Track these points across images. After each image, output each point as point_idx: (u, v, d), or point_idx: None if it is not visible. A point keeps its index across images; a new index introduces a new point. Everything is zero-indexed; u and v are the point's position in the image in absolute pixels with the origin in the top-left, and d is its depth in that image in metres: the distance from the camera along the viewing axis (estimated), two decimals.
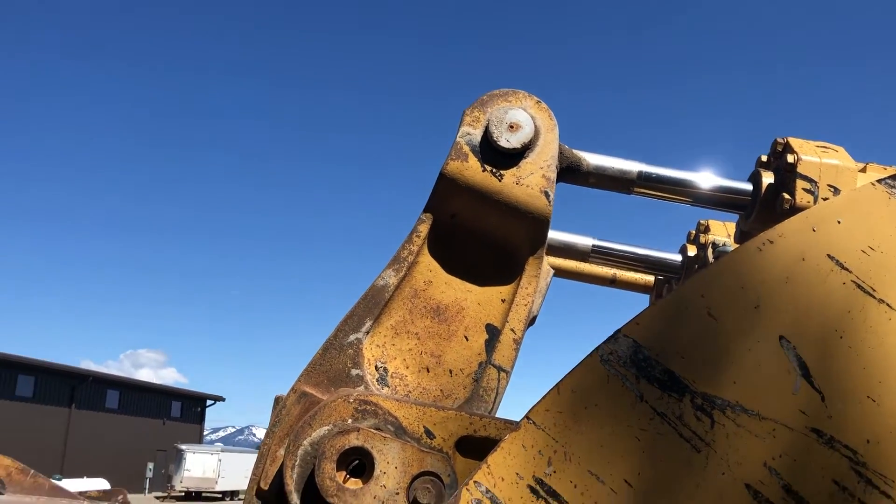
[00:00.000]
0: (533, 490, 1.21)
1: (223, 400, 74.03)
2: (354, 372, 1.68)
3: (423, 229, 1.82)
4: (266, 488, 1.54)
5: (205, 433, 76.73)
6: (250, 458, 60.24)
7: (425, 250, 1.83)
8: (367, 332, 1.72)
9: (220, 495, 56.36)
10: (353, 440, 1.43)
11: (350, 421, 1.49)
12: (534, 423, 1.24)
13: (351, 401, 1.52)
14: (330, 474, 1.41)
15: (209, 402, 72.67)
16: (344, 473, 1.44)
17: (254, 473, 1.58)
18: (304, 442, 1.48)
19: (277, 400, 1.66)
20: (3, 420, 44.72)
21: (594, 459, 1.21)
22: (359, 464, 1.45)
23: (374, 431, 1.45)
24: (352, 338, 1.71)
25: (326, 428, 1.49)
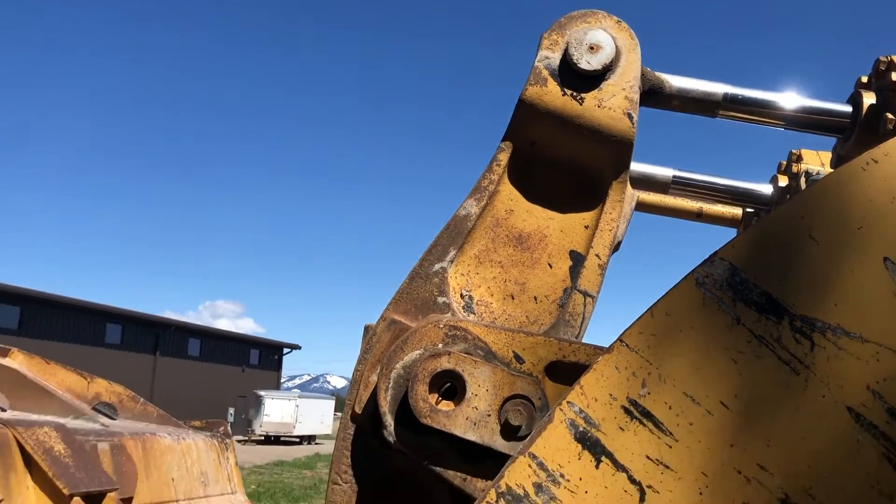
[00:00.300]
0: (627, 410, 1.21)
1: (299, 348, 76.50)
2: (441, 300, 1.70)
3: (503, 158, 1.80)
4: (360, 412, 1.59)
5: (282, 380, 79.49)
6: (326, 405, 62.39)
7: (505, 179, 1.81)
8: (452, 261, 1.73)
9: (297, 439, 58.57)
10: (445, 363, 1.45)
11: (440, 345, 1.52)
12: (627, 345, 1.24)
13: (441, 326, 1.54)
14: (423, 396, 1.45)
15: (286, 350, 75.18)
16: (436, 396, 1.47)
17: (348, 399, 1.63)
18: (397, 366, 1.52)
19: (367, 329, 1.70)
20: (94, 365, 46.89)
21: (689, 381, 1.20)
22: (450, 387, 1.48)
23: (465, 355, 1.47)
24: (436, 267, 1.72)
25: (418, 352, 1.52)
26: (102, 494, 1.81)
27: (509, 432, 1.42)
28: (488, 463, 1.43)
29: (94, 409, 2.36)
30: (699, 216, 3.16)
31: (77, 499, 1.68)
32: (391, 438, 1.50)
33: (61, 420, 1.94)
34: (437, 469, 1.49)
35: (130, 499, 2.03)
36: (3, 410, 1.98)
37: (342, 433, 1.63)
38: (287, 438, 58.23)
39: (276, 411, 57.24)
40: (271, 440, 57.17)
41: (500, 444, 1.42)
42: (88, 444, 1.93)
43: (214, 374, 61.82)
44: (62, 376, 2.56)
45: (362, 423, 1.60)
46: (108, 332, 52.81)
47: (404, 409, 1.48)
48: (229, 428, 3.14)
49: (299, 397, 60.14)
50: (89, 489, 1.74)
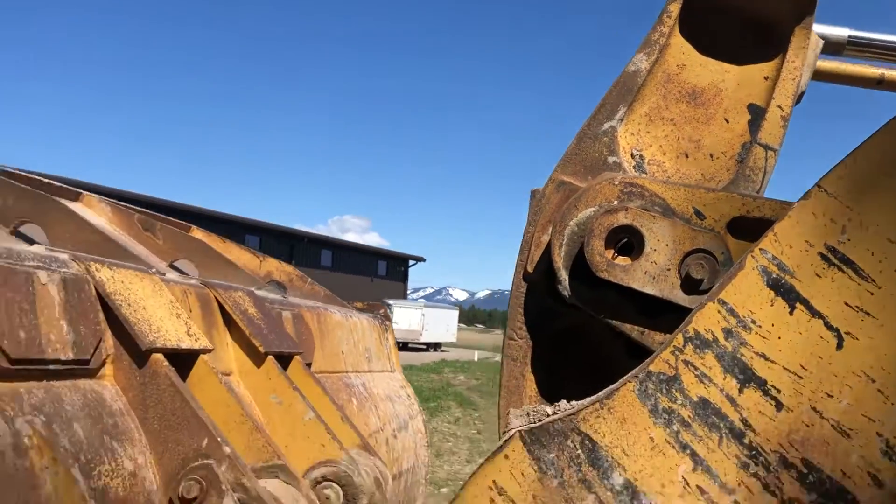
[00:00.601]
0: (824, 257, 1.17)
1: (424, 260, 78.46)
2: (611, 159, 1.66)
3: (674, 9, 1.70)
4: (532, 271, 1.62)
5: (407, 291, 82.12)
6: (450, 314, 64.23)
7: (677, 31, 1.71)
8: (621, 120, 1.68)
9: (424, 346, 60.81)
10: (622, 219, 1.44)
11: (616, 202, 1.50)
12: (826, 191, 1.18)
13: (616, 183, 1.51)
14: (599, 250, 1.44)
15: (411, 262, 77.34)
16: (612, 251, 1.46)
17: (519, 259, 1.66)
18: (570, 223, 1.51)
19: (534, 193, 1.70)
20: None
21: (894, 227, 1.14)
22: (626, 243, 1.47)
23: (643, 210, 1.45)
24: (606, 126, 1.67)
25: (592, 209, 1.50)
26: (291, 356, 1.96)
27: (690, 286, 1.40)
28: (668, 317, 1.42)
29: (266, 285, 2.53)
30: (880, 83, 2.87)
31: (270, 357, 1.83)
32: (566, 293, 1.51)
33: (249, 288, 2.10)
34: (614, 323, 1.50)
35: (309, 364, 2.19)
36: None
37: (515, 292, 1.66)
38: (414, 345, 60.52)
39: (404, 319, 59.37)
40: (399, 346, 59.42)
41: (680, 297, 1.41)
42: (274, 310, 2.08)
43: (345, 283, 64.52)
44: (237, 253, 2.76)
45: (535, 282, 1.63)
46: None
47: (579, 265, 1.48)
48: (389, 311, 3.30)
49: (425, 307, 62.03)
50: (280, 350, 1.89)
